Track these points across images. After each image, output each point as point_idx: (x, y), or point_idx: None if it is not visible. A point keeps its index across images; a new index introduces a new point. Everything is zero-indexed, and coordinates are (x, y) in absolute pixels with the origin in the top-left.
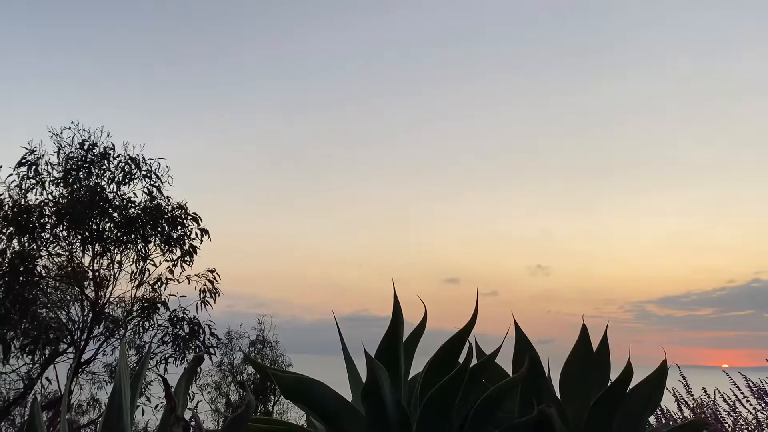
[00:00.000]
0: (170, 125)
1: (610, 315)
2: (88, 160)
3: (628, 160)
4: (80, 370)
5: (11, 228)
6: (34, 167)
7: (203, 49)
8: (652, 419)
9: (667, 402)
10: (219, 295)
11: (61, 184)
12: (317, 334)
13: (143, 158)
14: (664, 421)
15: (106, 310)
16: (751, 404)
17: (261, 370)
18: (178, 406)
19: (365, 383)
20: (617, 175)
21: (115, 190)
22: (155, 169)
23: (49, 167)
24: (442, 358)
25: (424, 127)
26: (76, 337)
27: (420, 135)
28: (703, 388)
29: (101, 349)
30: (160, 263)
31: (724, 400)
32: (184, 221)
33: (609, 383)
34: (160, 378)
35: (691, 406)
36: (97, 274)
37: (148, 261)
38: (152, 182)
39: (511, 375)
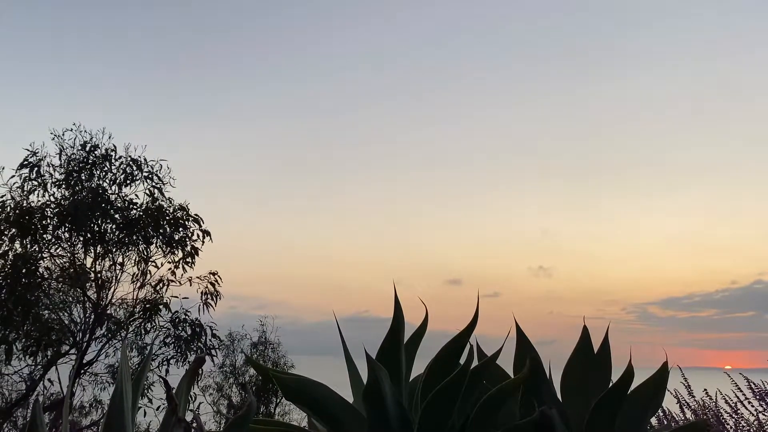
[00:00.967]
0: (172, 127)
1: (612, 316)
2: (90, 161)
3: (630, 160)
4: (82, 371)
5: (13, 230)
6: (36, 169)
7: (204, 50)
8: (653, 421)
9: (669, 403)
10: (220, 297)
11: (63, 186)
12: (318, 336)
13: (145, 160)
14: (665, 423)
15: (108, 312)
16: (753, 406)
17: (262, 371)
18: (179, 408)
19: (366, 384)
20: (620, 176)
21: (116, 191)
22: (157, 171)
23: (51, 169)
24: (443, 360)
25: (425, 128)
26: (78, 339)
27: (421, 136)
28: (705, 389)
29: (103, 350)
30: (162, 265)
31: (726, 402)
32: (186, 223)
33: (610, 385)
34: (161, 379)
35: (693, 407)
36: (99, 275)
37: (149, 263)
38: (154, 184)
39: (512, 376)
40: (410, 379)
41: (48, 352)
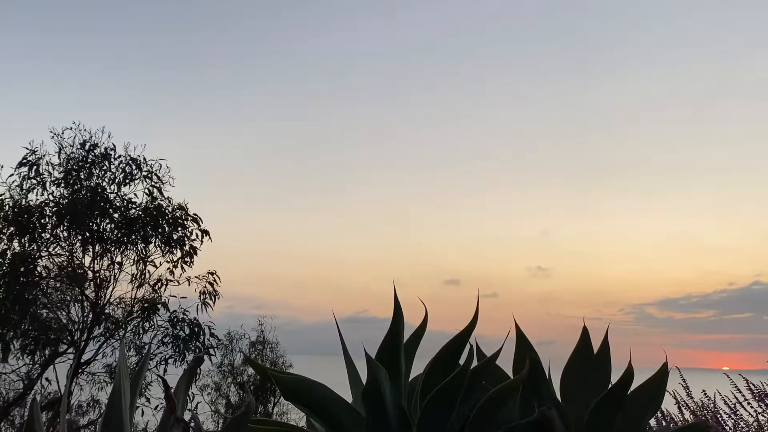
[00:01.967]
0: (171, 126)
1: (610, 317)
2: (89, 160)
3: (629, 162)
4: (80, 370)
5: (12, 228)
6: (35, 167)
7: (204, 50)
8: (652, 422)
9: (668, 404)
10: (219, 297)
11: (62, 185)
12: (317, 336)
13: (144, 159)
14: (664, 424)
15: (106, 311)
16: (752, 407)
17: (261, 371)
18: (177, 407)
19: (365, 384)
20: (618, 177)
21: (115, 190)
22: (156, 170)
23: (50, 167)
24: (443, 360)
25: (424, 129)
26: (76, 338)
27: (420, 136)
28: (703, 390)
29: (101, 349)
30: (161, 264)
31: (725, 403)
32: (185, 222)
33: (610, 385)
34: (159, 379)
35: (692, 408)
36: (97, 274)
37: (148, 262)
38: (153, 183)
39: (511, 377)
40: (410, 380)
41: (46, 351)
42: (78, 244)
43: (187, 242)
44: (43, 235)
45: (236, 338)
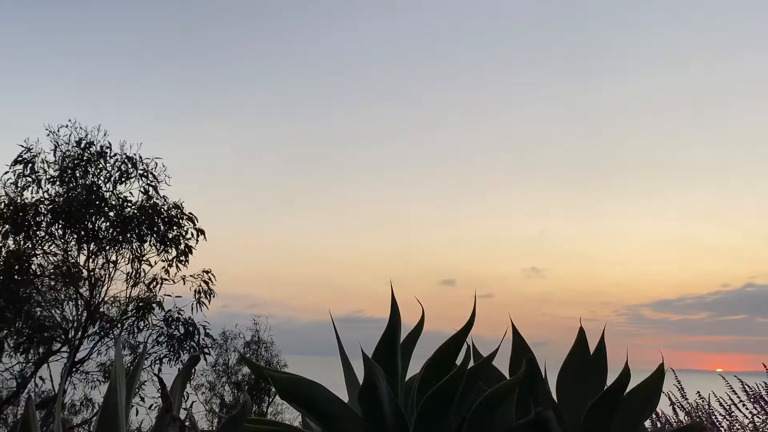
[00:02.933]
0: (168, 125)
1: (605, 318)
2: (85, 158)
3: (624, 163)
4: (74, 369)
5: (6, 226)
6: (30, 165)
7: (202, 48)
8: (647, 423)
9: (663, 406)
10: (214, 296)
11: (57, 183)
12: (313, 336)
13: (140, 157)
14: (660, 425)
15: (101, 310)
16: (747, 408)
17: (257, 370)
18: (174, 406)
19: (362, 384)
20: (613, 179)
21: (111, 189)
22: (152, 169)
23: (46, 165)
24: (440, 360)
25: (421, 129)
26: (70, 336)
27: (416, 137)
28: (698, 392)
29: (95, 348)
30: (156, 263)
31: (720, 404)
32: (180, 221)
33: (606, 386)
34: (155, 378)
35: (687, 409)
36: (92, 273)
37: (143, 261)
38: (149, 181)
39: (508, 377)
40: (406, 379)
41: (40, 349)
42: (73, 243)
43: (182, 241)
44: (38, 233)
45: (231, 337)
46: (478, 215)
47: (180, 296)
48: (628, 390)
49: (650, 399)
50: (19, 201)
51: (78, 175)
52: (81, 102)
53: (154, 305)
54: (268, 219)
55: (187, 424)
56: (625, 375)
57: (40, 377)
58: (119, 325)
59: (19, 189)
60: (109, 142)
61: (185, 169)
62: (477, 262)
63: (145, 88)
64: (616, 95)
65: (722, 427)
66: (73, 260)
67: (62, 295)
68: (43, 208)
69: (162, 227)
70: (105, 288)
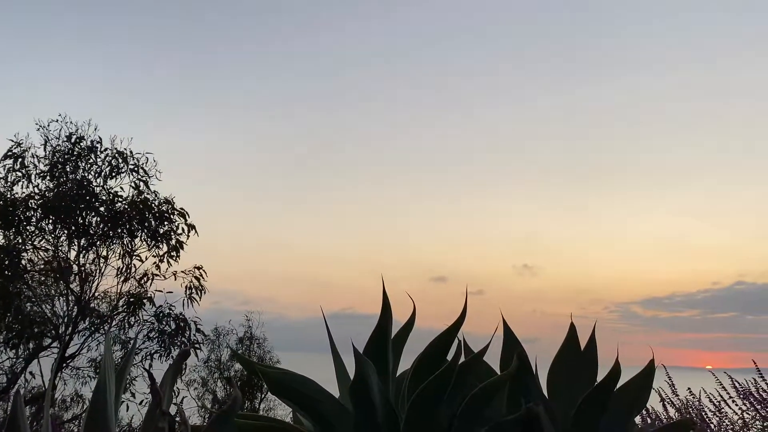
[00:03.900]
0: (160, 121)
1: (596, 315)
2: (75, 153)
3: (615, 162)
4: (64, 365)
5: None
6: (20, 160)
7: (195, 45)
8: (637, 419)
9: (653, 402)
10: (205, 292)
11: (48, 178)
12: (304, 332)
13: (131, 152)
14: (649, 421)
15: (92, 305)
16: (736, 404)
17: (247, 365)
18: (164, 401)
19: (353, 379)
20: (605, 177)
21: (101, 184)
22: (142, 164)
23: (36, 160)
24: (431, 356)
25: (413, 129)
26: (60, 332)
27: (408, 136)
28: (689, 388)
29: (86, 344)
30: (146, 258)
31: (710, 401)
32: (171, 216)
33: (596, 382)
34: (145, 373)
35: (677, 406)
36: (82, 268)
37: (134, 256)
38: (139, 176)
39: (499, 373)
40: (397, 375)
41: (30, 344)
42: (63, 238)
43: (173, 236)
44: (28, 228)
45: (224, 333)
46: (470, 213)
47: (171, 292)
48: (618, 386)
49: (640, 395)
50: (9, 196)
51: (68, 170)
52: (71, 97)
53: (144, 301)
54: (259, 216)
55: (177, 419)
56: (616, 371)
57: (30, 373)
58: (110, 321)
59: (9, 184)
60: (100, 137)
61: (174, 164)
62: (469, 259)
63: (138, 83)
64: (608, 96)
65: (712, 423)
66: (63, 255)
67: (53, 291)
68: (33, 203)
69: (153, 222)
70: (95, 283)
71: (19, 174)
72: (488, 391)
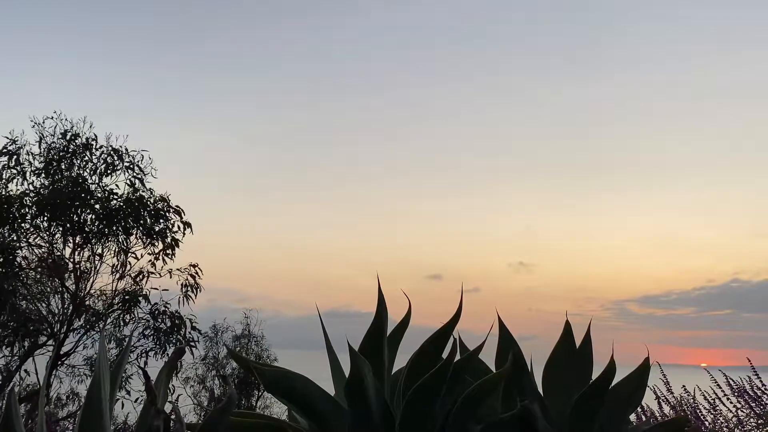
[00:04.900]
0: (158, 119)
1: (591, 313)
2: (70, 150)
3: (611, 160)
4: (59, 362)
5: None
6: (15, 157)
7: (192, 43)
8: (632, 417)
9: (648, 400)
10: (201, 290)
11: (43, 175)
12: (299, 330)
13: (126, 150)
14: (644, 419)
15: (87, 303)
16: (731, 402)
17: (243, 363)
18: (158, 399)
19: (348, 377)
20: (601, 175)
21: (97, 181)
22: (138, 161)
23: (31, 157)
24: (426, 354)
25: (409, 126)
26: (55, 330)
27: (404, 134)
28: (683, 386)
29: (81, 341)
30: (142, 256)
31: (705, 398)
32: (167, 214)
33: (592, 380)
34: (140, 370)
35: (672, 403)
36: (77, 266)
37: (129, 254)
38: (135, 174)
39: (494, 371)
40: (393, 373)
41: (25, 342)
42: (58, 235)
43: (168, 234)
44: (22, 225)
45: (221, 331)
46: (465, 210)
47: (167, 289)
48: (613, 384)
49: (636, 393)
50: (3, 193)
51: (63, 167)
52: (67, 94)
53: (140, 298)
54: (255, 214)
55: (172, 417)
56: (611, 369)
57: (25, 370)
58: (105, 319)
59: (3, 181)
60: (95, 134)
61: (171, 162)
62: (464, 256)
63: (135, 81)
64: (604, 94)
65: (707, 420)
66: (58, 253)
67: (48, 288)
68: (28, 201)
69: (148, 220)
70: (91, 281)
71: (14, 171)
72: (483, 388)
